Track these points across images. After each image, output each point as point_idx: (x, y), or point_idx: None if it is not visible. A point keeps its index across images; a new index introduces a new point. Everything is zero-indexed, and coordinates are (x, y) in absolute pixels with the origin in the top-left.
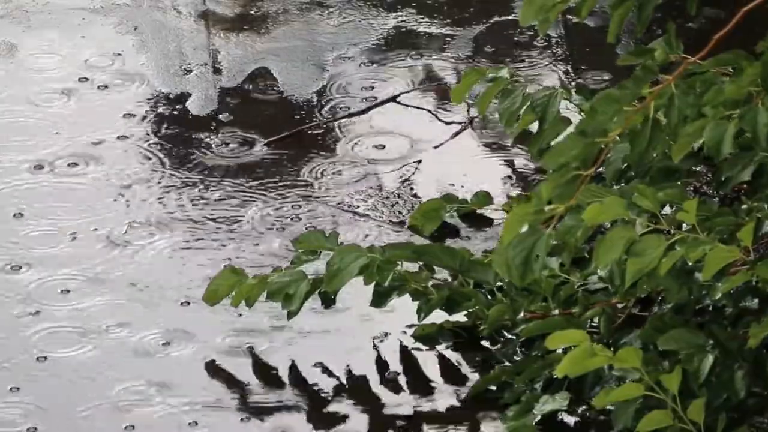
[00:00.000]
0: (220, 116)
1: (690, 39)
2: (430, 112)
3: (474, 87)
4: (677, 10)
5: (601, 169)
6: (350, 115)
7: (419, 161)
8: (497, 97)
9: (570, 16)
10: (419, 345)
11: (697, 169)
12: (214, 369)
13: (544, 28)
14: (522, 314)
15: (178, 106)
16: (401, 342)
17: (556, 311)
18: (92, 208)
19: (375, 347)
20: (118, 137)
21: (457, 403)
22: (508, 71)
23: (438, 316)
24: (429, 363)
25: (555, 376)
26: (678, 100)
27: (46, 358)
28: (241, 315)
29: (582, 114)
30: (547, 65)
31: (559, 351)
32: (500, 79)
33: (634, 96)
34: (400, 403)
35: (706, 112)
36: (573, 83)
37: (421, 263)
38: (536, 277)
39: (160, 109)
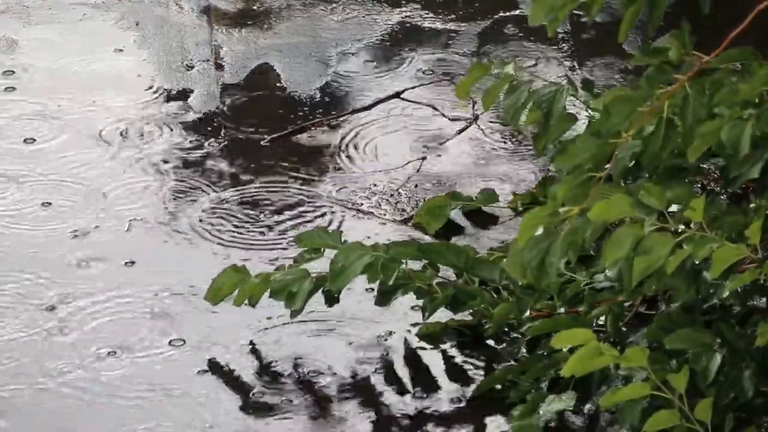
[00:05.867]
0: (222, 113)
1: (701, 37)
2: (434, 108)
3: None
4: (687, 8)
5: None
6: (354, 112)
7: (424, 158)
8: (503, 92)
9: (576, 12)
10: (424, 344)
11: (705, 166)
12: (215, 367)
13: (553, 27)
14: (528, 313)
15: (180, 103)
16: (405, 341)
17: (562, 310)
18: (92, 206)
19: (379, 346)
20: (120, 134)
21: (461, 403)
22: (514, 67)
23: (443, 315)
24: (433, 362)
25: (561, 376)
26: (693, 100)
27: None
28: (242, 312)
29: (588, 110)
30: (552, 61)
31: (565, 350)
32: (506, 74)
33: (647, 96)
34: (404, 402)
35: (720, 111)
36: (579, 79)
37: (425, 261)
38: (551, 280)
39: (162, 106)
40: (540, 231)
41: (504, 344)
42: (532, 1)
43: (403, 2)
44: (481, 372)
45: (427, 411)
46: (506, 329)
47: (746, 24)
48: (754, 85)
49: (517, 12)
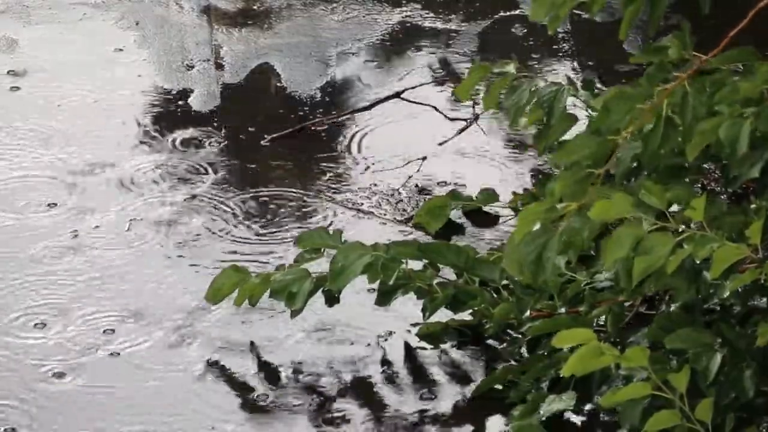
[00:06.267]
0: (222, 113)
1: (701, 37)
2: (435, 108)
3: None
4: (687, 8)
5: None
6: (354, 111)
7: (424, 158)
8: (503, 92)
9: (576, 11)
10: (424, 344)
11: (705, 166)
12: (215, 368)
13: (554, 25)
14: (528, 313)
15: (180, 102)
16: (406, 341)
17: (563, 309)
18: (92, 206)
19: (379, 346)
20: (119, 134)
21: (462, 403)
22: (515, 66)
23: (443, 315)
24: (434, 362)
25: (561, 376)
26: (692, 99)
27: None
28: (243, 312)
29: (589, 110)
30: (553, 60)
31: (566, 350)
32: (506, 74)
33: (647, 94)
34: (405, 402)
35: (721, 110)
36: (580, 78)
37: (425, 261)
38: (548, 276)
39: (162, 106)
40: (537, 226)
41: (504, 344)
42: None
43: (404, 2)
44: (482, 372)
45: (428, 411)
46: (506, 329)
47: (746, 23)
48: (755, 83)
49: (517, 12)
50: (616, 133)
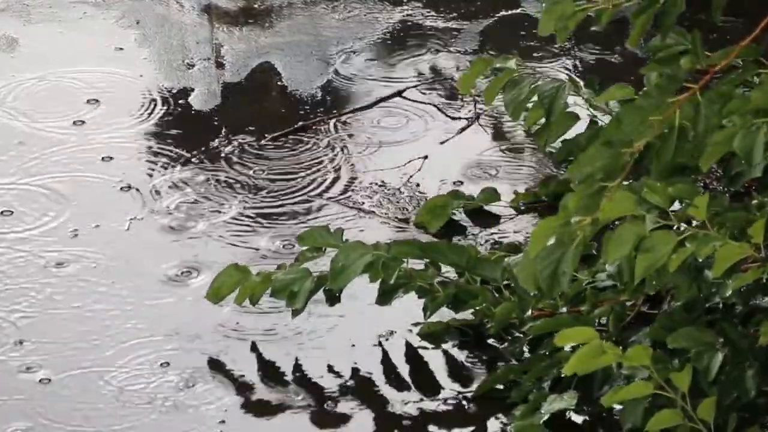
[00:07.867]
0: (223, 112)
1: (709, 45)
2: (436, 107)
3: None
4: (687, 8)
5: None
6: (355, 110)
7: (425, 157)
8: (504, 88)
9: None
10: (425, 343)
11: None
12: (216, 367)
13: (563, 37)
14: (529, 312)
15: (180, 101)
16: (407, 340)
17: (564, 309)
18: (93, 203)
19: (380, 345)
20: (120, 133)
21: (463, 402)
22: (516, 61)
23: (444, 314)
24: (435, 361)
25: (563, 375)
26: (705, 109)
27: None
28: (244, 311)
29: (590, 109)
30: (554, 59)
31: (567, 349)
32: (507, 69)
33: (659, 105)
34: (406, 402)
35: (732, 120)
36: (581, 78)
37: (427, 260)
38: (563, 289)
39: (163, 105)
40: (552, 241)
41: (506, 344)
42: (543, 12)
43: (405, 0)
44: (483, 371)
45: (429, 411)
46: (508, 328)
47: (757, 33)
48: (766, 92)
49: (518, 10)
50: (629, 144)
